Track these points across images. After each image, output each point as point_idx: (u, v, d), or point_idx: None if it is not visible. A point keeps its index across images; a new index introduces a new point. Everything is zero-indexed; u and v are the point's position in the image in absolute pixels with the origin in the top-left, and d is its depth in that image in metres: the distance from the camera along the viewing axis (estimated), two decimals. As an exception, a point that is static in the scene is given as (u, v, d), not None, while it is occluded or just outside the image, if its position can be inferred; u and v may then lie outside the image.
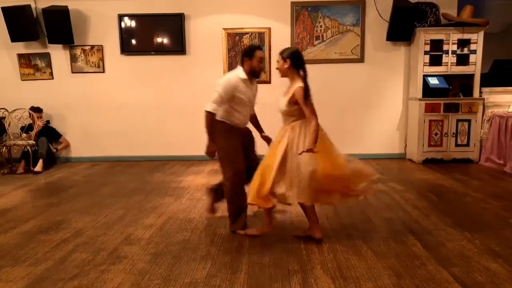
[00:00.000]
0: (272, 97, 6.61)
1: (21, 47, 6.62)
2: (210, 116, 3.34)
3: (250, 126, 3.80)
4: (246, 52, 3.48)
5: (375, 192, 3.55)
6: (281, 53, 3.27)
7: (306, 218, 3.22)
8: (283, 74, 3.31)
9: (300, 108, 3.14)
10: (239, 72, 3.45)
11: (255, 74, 3.52)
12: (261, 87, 6.88)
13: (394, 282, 2.45)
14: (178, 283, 2.49)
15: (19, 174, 5.91)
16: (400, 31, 6.19)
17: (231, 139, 3.42)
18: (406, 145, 6.60)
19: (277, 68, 3.33)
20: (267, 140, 3.72)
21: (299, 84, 3.16)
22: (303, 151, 2.96)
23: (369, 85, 6.53)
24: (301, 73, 3.25)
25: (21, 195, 4.77)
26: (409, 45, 6.42)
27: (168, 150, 6.78)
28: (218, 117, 3.39)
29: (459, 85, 6.20)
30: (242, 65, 3.49)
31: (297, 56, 3.29)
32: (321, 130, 3.27)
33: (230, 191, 3.39)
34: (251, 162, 3.47)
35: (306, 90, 3.14)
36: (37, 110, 6.39)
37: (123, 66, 6.62)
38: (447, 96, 6.10)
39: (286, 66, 3.23)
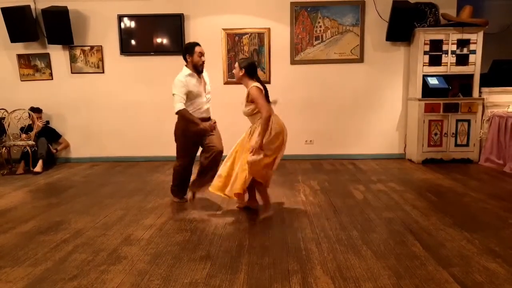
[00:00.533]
0: (271, 98, 6.64)
1: (20, 48, 6.62)
2: (182, 113, 3.84)
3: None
4: (187, 49, 3.95)
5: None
6: (239, 62, 3.76)
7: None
8: (238, 80, 3.80)
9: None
10: (184, 70, 3.92)
11: (198, 69, 3.96)
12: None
13: (393, 282, 2.45)
14: (178, 284, 2.49)
15: (19, 174, 5.91)
16: (399, 31, 6.19)
17: (186, 136, 4.00)
18: (405, 145, 6.60)
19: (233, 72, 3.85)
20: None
21: (253, 84, 3.65)
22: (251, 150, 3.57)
23: (368, 85, 6.54)
24: (255, 79, 3.73)
25: (20, 195, 4.77)
26: (408, 45, 6.43)
27: (168, 150, 6.73)
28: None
29: (458, 85, 6.21)
30: (186, 61, 3.95)
31: (251, 67, 3.75)
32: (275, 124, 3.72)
33: (176, 176, 4.20)
34: (213, 143, 4.06)
35: (260, 89, 3.65)
36: (36, 110, 6.40)
37: (123, 67, 6.62)
38: (447, 96, 6.10)
39: (241, 74, 3.72)
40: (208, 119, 4.12)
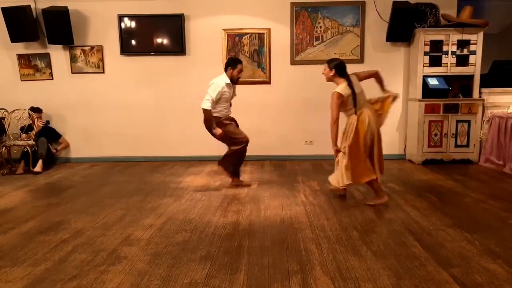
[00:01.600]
0: (272, 98, 6.66)
1: (21, 48, 6.62)
2: (206, 111, 4.50)
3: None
4: (231, 63, 4.65)
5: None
6: (328, 63, 4.16)
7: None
8: (329, 80, 4.20)
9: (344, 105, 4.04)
10: (225, 77, 4.63)
11: (234, 81, 4.69)
12: (261, 88, 6.93)
13: (393, 282, 2.45)
14: (177, 284, 2.49)
15: (19, 174, 5.91)
16: (399, 31, 6.19)
17: (227, 126, 4.67)
18: (405, 146, 6.60)
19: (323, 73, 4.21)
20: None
21: (337, 87, 4.06)
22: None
23: (368, 85, 6.49)
24: (345, 78, 4.08)
25: (20, 195, 4.77)
26: (408, 45, 6.43)
27: (168, 150, 6.79)
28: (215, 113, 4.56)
29: (458, 86, 6.20)
30: (226, 71, 4.65)
31: (340, 66, 4.12)
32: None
33: (236, 154, 4.75)
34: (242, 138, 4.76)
35: (339, 95, 4.01)
36: (36, 110, 6.39)
37: (123, 67, 6.62)
38: (447, 97, 6.10)
39: (331, 74, 4.12)
40: (232, 119, 4.91)
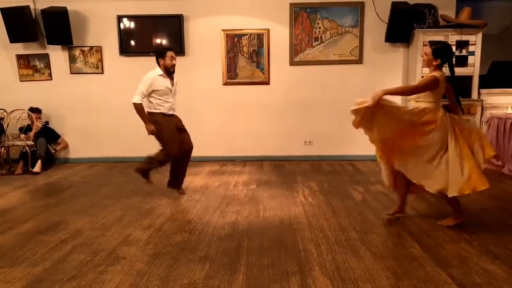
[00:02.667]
0: (271, 99, 6.66)
1: (20, 48, 6.62)
2: (137, 106, 4.30)
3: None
4: (159, 53, 4.40)
5: None
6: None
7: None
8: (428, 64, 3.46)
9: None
10: (157, 70, 4.37)
11: (170, 71, 4.40)
12: (260, 88, 6.93)
13: (392, 283, 2.45)
14: (176, 284, 2.49)
15: (18, 174, 5.91)
16: (398, 32, 6.20)
17: (163, 128, 4.37)
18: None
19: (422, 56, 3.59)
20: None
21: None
22: None
23: (367, 86, 6.52)
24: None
25: (19, 195, 4.76)
26: (407, 46, 6.44)
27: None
28: (149, 109, 4.37)
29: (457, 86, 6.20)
30: (159, 64, 4.38)
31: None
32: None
33: (159, 161, 4.42)
34: (186, 144, 4.53)
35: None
36: (36, 111, 6.39)
37: (122, 67, 6.62)
38: (446, 97, 6.09)
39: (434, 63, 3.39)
40: (172, 115, 4.54)
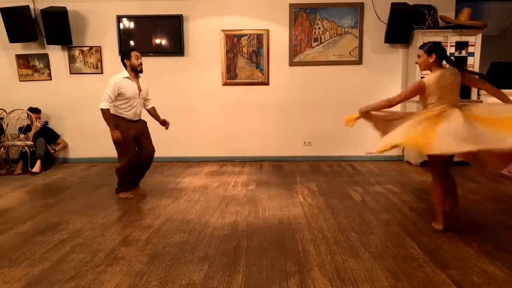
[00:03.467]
0: (270, 99, 6.66)
1: (19, 48, 6.62)
2: (104, 111, 4.14)
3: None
4: (124, 54, 4.31)
5: None
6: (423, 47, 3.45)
7: None
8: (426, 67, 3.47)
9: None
10: (122, 73, 4.24)
11: (137, 70, 4.30)
12: (259, 89, 6.92)
13: (391, 284, 2.45)
14: (175, 285, 2.49)
15: (17, 175, 5.90)
16: (398, 33, 6.21)
17: (128, 134, 4.25)
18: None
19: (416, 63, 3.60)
20: (165, 123, 4.82)
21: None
22: None
23: (367, 87, 6.55)
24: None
25: (18, 196, 4.76)
26: (407, 47, 6.44)
27: (166, 151, 6.77)
28: (112, 111, 4.18)
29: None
30: (125, 66, 4.28)
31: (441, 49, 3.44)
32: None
33: (121, 173, 4.40)
34: (144, 150, 4.45)
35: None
36: (35, 111, 6.39)
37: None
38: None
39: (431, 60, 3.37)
40: (137, 121, 4.42)
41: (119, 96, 4.17)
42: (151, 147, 4.52)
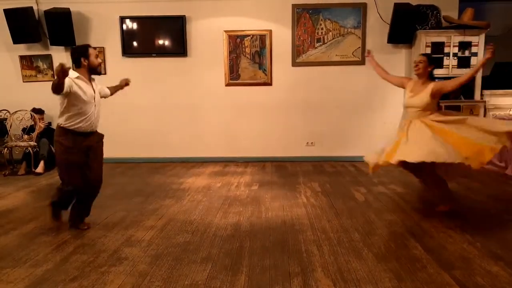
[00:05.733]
0: (273, 100, 6.66)
1: (23, 49, 6.64)
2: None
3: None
4: (80, 53, 3.45)
5: None
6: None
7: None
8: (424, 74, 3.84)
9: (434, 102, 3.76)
10: (71, 73, 3.26)
11: (97, 70, 3.51)
12: (262, 89, 6.91)
13: (395, 285, 2.45)
14: (178, 285, 2.49)
15: (21, 175, 5.92)
16: (401, 33, 6.20)
17: (68, 154, 3.32)
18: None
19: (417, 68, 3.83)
20: (126, 83, 4.16)
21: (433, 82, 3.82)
22: None
23: (370, 87, 6.54)
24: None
25: (22, 196, 4.77)
26: (410, 47, 6.43)
27: (169, 151, 6.79)
28: (62, 123, 3.31)
29: (460, 87, 6.18)
30: (79, 66, 3.44)
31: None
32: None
33: (62, 198, 3.52)
34: (91, 173, 3.44)
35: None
36: (38, 111, 6.41)
37: (125, 68, 6.62)
38: (448, 98, 6.09)
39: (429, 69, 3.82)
40: (91, 134, 3.46)
41: (73, 98, 3.27)
42: (99, 174, 3.52)
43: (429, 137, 3.46)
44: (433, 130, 3.52)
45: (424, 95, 3.68)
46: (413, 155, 3.36)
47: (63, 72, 3.05)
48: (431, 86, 3.70)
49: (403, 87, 3.98)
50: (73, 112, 3.29)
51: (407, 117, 3.88)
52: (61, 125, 3.32)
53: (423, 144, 3.42)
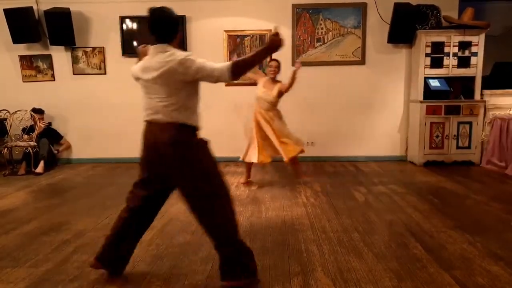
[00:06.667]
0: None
1: (22, 49, 6.64)
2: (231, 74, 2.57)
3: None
4: (176, 24, 2.60)
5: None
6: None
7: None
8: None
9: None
10: (187, 53, 2.59)
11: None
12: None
13: (395, 284, 2.45)
14: (178, 285, 2.49)
15: (21, 175, 5.92)
16: (401, 33, 6.19)
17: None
18: (407, 148, 6.59)
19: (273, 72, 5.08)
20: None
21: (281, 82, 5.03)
22: None
23: (370, 87, 6.54)
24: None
25: (22, 196, 4.78)
26: (410, 47, 6.43)
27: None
28: (187, 119, 2.56)
29: (460, 87, 6.20)
30: (173, 41, 2.61)
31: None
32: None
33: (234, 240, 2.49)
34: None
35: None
36: (38, 111, 6.41)
37: (125, 68, 6.54)
38: (448, 98, 6.10)
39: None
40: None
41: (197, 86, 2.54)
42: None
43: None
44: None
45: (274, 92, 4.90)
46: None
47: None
48: (278, 85, 4.89)
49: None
50: (194, 101, 2.48)
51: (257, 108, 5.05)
52: (184, 123, 2.44)
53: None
